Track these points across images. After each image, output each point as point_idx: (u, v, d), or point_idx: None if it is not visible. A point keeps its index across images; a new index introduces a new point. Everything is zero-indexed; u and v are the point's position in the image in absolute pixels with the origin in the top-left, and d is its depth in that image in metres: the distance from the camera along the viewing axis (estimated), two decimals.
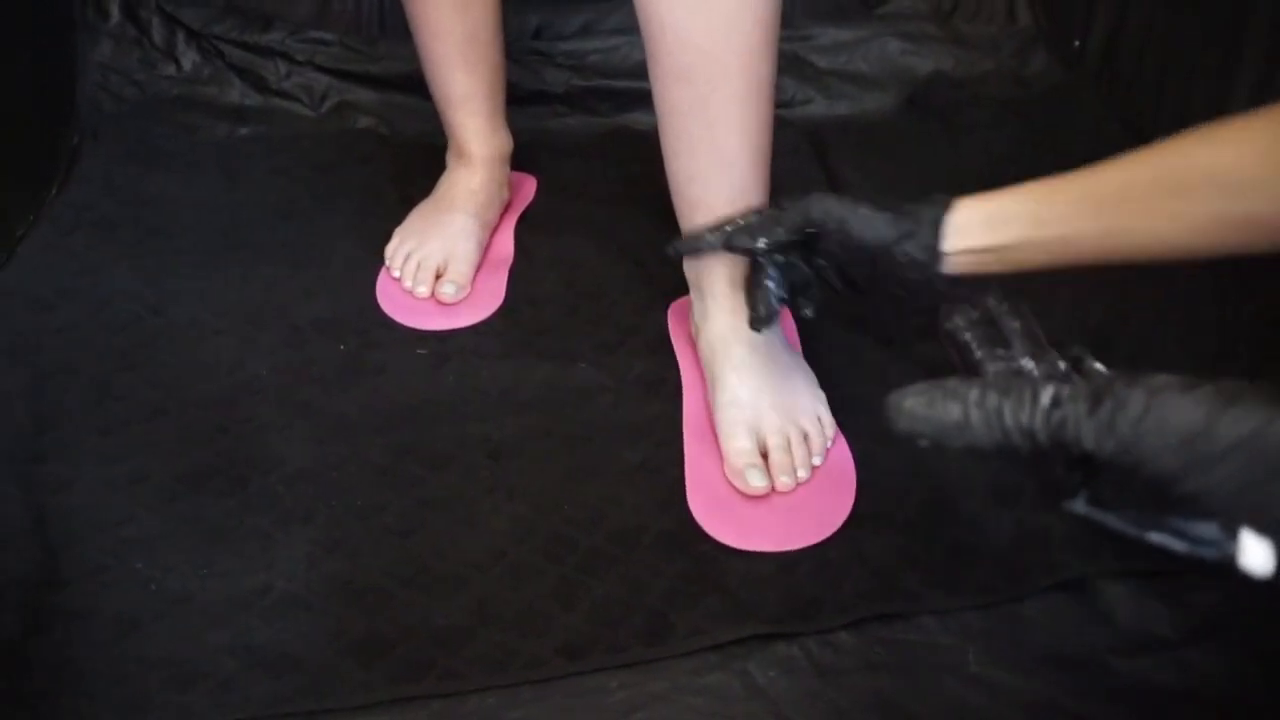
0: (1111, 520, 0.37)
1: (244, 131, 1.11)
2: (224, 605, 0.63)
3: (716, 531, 0.67)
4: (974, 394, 0.37)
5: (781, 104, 1.15)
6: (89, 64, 1.12)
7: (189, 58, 1.15)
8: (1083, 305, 0.86)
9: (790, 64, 1.17)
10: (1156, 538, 0.36)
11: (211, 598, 0.63)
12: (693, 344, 0.80)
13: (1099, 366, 0.43)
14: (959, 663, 0.60)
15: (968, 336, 0.45)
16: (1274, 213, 0.49)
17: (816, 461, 0.71)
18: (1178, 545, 0.35)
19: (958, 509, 0.69)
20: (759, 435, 0.71)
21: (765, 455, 0.70)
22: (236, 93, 1.14)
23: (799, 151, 1.09)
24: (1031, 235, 0.55)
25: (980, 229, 0.56)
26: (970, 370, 0.45)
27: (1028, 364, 0.43)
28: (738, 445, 0.71)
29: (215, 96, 1.13)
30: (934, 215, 0.57)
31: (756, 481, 0.69)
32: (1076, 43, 1.20)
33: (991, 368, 0.44)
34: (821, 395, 0.75)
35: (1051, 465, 0.37)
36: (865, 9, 1.23)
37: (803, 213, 0.60)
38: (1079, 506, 0.38)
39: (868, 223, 0.59)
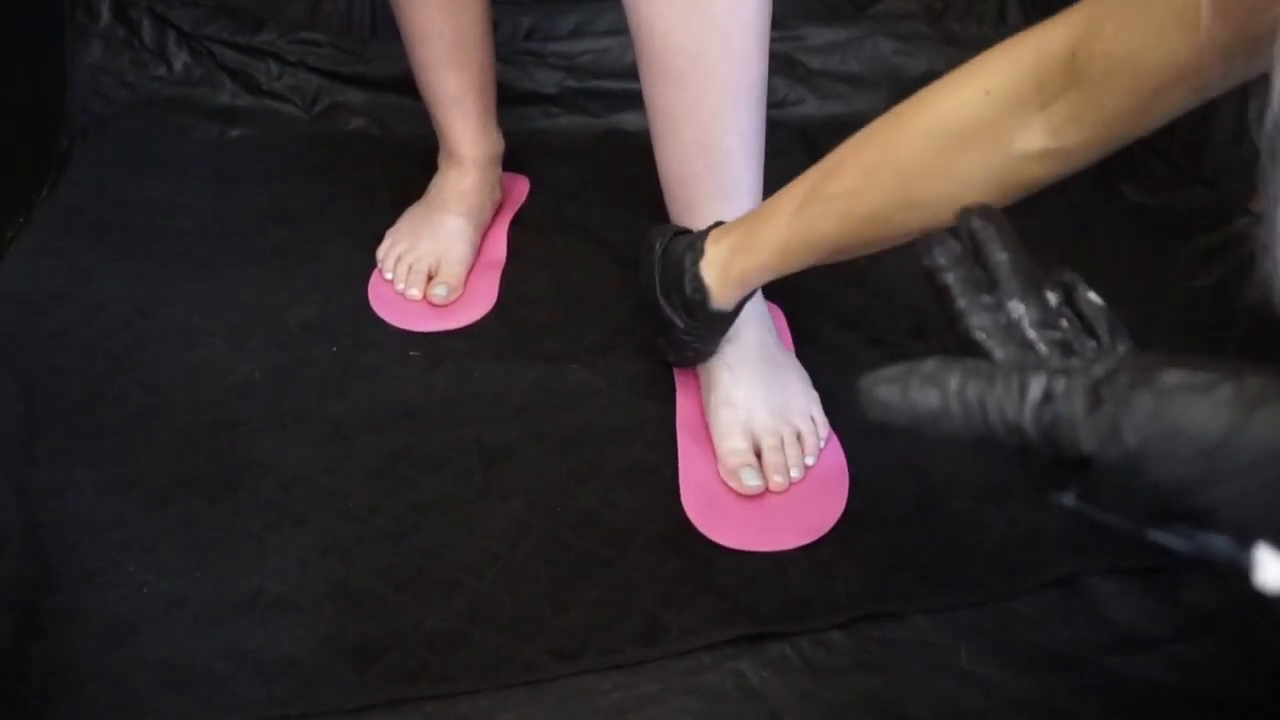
0: (1106, 517, 0.33)
1: (235, 133, 1.11)
2: (217, 609, 0.63)
3: (710, 532, 0.67)
4: (954, 382, 0.33)
5: (773, 104, 1.14)
6: (79, 66, 1.11)
7: (180, 59, 1.14)
8: None
9: (782, 64, 1.17)
10: (1157, 537, 0.32)
11: (205, 601, 0.63)
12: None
13: (1093, 297, 0.39)
14: (951, 661, 0.60)
15: (949, 279, 0.40)
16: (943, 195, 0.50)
17: (810, 461, 0.71)
18: (1181, 546, 0.31)
19: (950, 508, 0.69)
20: (752, 435, 0.71)
21: (759, 455, 0.71)
22: (228, 94, 1.14)
23: (791, 152, 1.09)
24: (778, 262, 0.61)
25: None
26: (952, 321, 0.39)
27: (1016, 309, 0.38)
28: (732, 445, 0.71)
29: (206, 98, 1.13)
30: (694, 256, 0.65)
31: (751, 481, 0.69)
32: None
33: (976, 322, 0.39)
34: (814, 395, 0.75)
35: (1039, 461, 0.33)
36: (856, 9, 1.23)
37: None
38: (1068, 501, 0.34)
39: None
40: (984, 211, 0.41)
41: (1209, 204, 0.99)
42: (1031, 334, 0.38)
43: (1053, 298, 0.39)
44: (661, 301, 0.68)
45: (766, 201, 0.61)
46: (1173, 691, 0.58)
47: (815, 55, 1.19)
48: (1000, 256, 0.40)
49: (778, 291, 0.85)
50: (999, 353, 0.38)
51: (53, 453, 0.73)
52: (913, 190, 0.53)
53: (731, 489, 0.70)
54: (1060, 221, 0.98)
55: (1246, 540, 0.29)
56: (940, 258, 0.40)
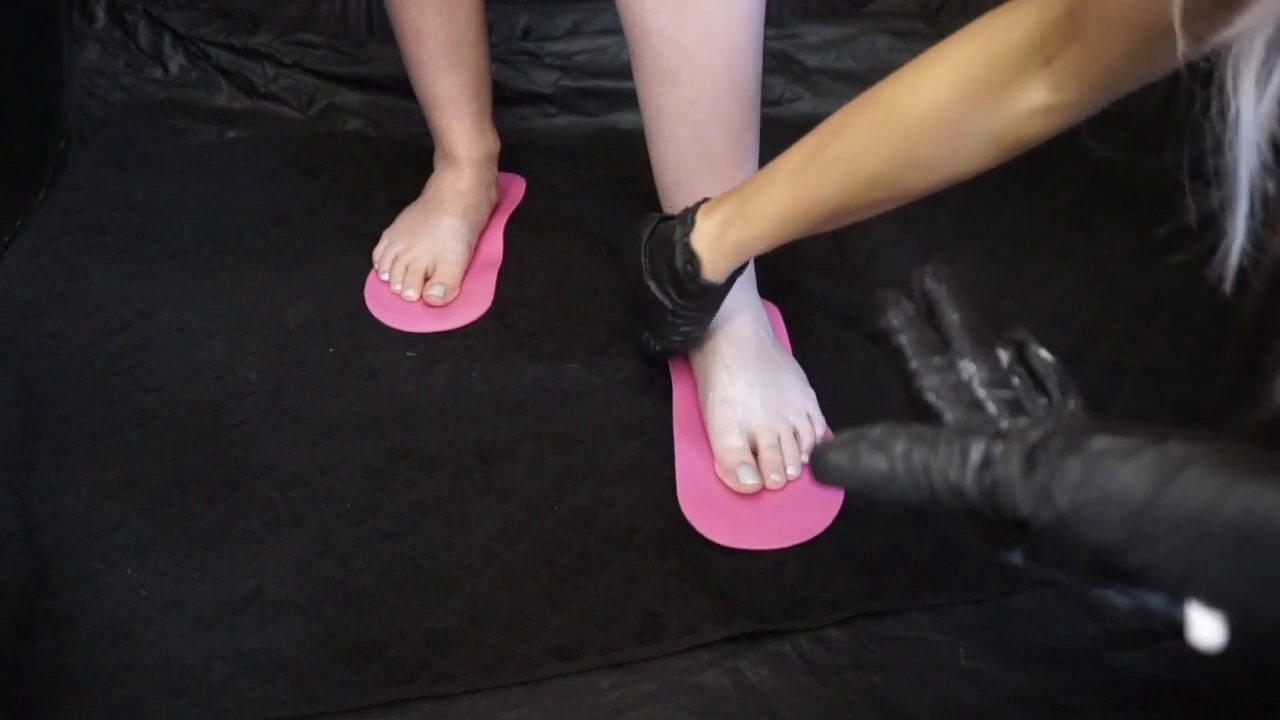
0: (1051, 574, 0.34)
1: (232, 134, 1.11)
2: (215, 610, 0.63)
3: (708, 530, 0.67)
4: (900, 447, 0.35)
5: (770, 102, 1.15)
6: (75, 68, 1.11)
7: (176, 61, 1.14)
8: (1071, 301, 0.87)
9: (778, 62, 1.18)
10: (1099, 595, 0.33)
11: (203, 602, 0.63)
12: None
13: (1044, 354, 0.40)
14: (950, 658, 0.60)
15: (902, 340, 0.41)
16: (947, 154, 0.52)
17: (807, 459, 0.71)
18: (1123, 603, 0.33)
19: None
20: (749, 433, 0.71)
21: (756, 453, 0.71)
22: (224, 96, 1.14)
23: None
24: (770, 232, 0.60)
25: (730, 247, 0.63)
26: (904, 382, 0.41)
27: (967, 369, 0.40)
28: (729, 444, 0.71)
29: (203, 100, 1.13)
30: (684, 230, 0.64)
31: (748, 479, 0.69)
32: None
33: (927, 383, 0.40)
34: (811, 393, 0.75)
35: (984, 522, 0.35)
36: (853, 6, 1.23)
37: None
38: (1015, 559, 0.35)
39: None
40: (936, 271, 0.43)
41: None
42: (981, 393, 0.39)
43: (1004, 356, 0.40)
44: (649, 282, 0.67)
45: (760, 171, 0.61)
46: (1172, 688, 0.58)
47: (812, 53, 1.19)
48: (952, 317, 0.41)
49: (774, 290, 0.85)
50: (949, 414, 0.39)
51: (50, 454, 0.73)
52: (917, 151, 0.54)
53: (729, 487, 0.70)
54: (1057, 221, 0.98)
55: (1179, 598, 0.31)
56: (894, 320, 0.42)
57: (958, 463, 0.34)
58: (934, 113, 0.52)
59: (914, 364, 0.40)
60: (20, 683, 0.58)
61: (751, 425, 0.71)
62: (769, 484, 0.69)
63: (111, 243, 0.94)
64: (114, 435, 0.74)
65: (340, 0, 1.16)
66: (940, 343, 0.41)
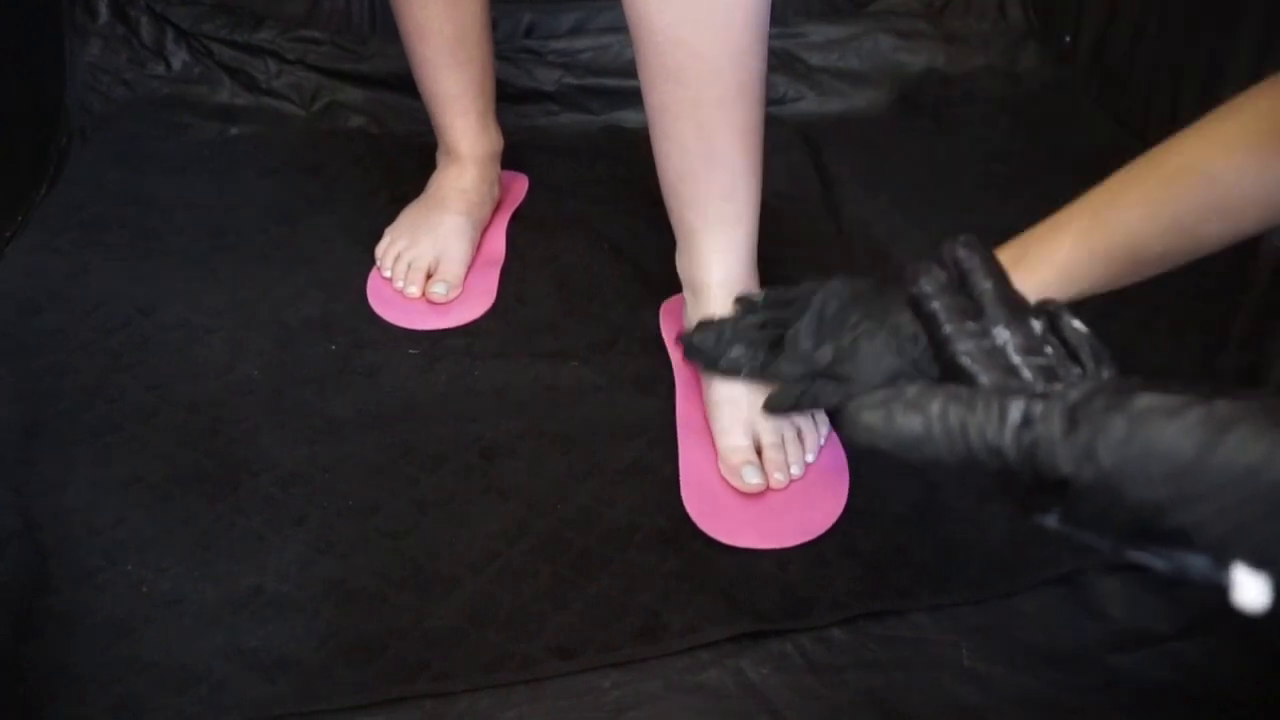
0: (1088, 538, 0.34)
1: (234, 131, 1.11)
2: (216, 607, 0.63)
3: (710, 529, 0.67)
4: (936, 407, 0.34)
5: (773, 101, 1.15)
6: (78, 64, 1.11)
7: (178, 57, 1.14)
8: (1075, 302, 0.87)
9: (782, 61, 1.17)
10: (1137, 557, 0.33)
11: (204, 600, 0.63)
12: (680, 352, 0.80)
13: (1077, 324, 0.39)
14: (952, 658, 0.60)
15: (935, 306, 0.40)
16: (1255, 199, 0.49)
17: (810, 458, 0.71)
18: (1160, 565, 0.32)
19: (950, 505, 0.69)
20: (753, 432, 0.71)
21: (759, 452, 0.70)
22: (226, 92, 1.14)
23: (791, 149, 1.09)
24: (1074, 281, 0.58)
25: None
26: (938, 346, 0.40)
27: (1001, 335, 0.39)
28: (733, 443, 0.71)
29: (205, 96, 1.13)
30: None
31: (752, 479, 0.69)
32: (1067, 38, 1.20)
33: (961, 348, 0.39)
34: None
35: (1021, 484, 0.34)
36: (856, 6, 1.23)
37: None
38: (1050, 522, 0.35)
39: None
40: (968, 241, 0.42)
41: None
42: (1016, 359, 0.39)
43: (1037, 325, 0.39)
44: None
45: (1042, 224, 0.59)
46: (1174, 689, 0.58)
47: (815, 52, 1.19)
48: (985, 285, 0.41)
49: None
50: (984, 377, 0.38)
51: (51, 451, 0.73)
52: (1223, 195, 0.53)
53: (732, 486, 0.70)
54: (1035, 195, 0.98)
55: (1223, 560, 0.30)
56: (927, 286, 0.41)
57: (996, 422, 0.33)
58: (1240, 157, 0.52)
59: (948, 329, 0.40)
60: (21, 680, 0.58)
61: (755, 424, 0.71)
62: (772, 483, 0.69)
63: (113, 239, 0.94)
64: (115, 432, 0.74)
65: None
66: (973, 310, 0.40)
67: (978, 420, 0.34)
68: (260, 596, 0.63)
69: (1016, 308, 0.40)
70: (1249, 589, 0.30)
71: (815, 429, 0.72)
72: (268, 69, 1.14)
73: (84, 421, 0.75)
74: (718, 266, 0.73)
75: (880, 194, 1.03)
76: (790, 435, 0.71)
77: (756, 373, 0.67)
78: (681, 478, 0.71)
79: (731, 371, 0.68)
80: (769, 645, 0.61)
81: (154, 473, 0.71)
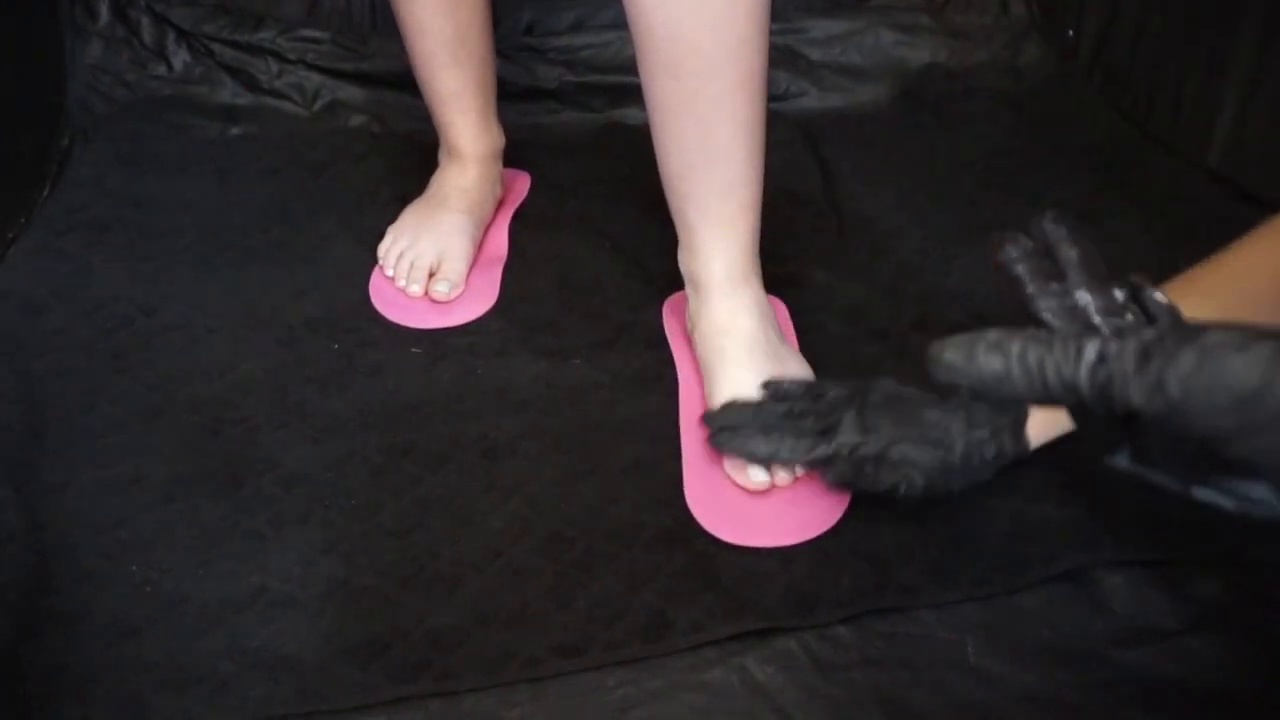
0: (1156, 476, 0.35)
1: (236, 131, 1.11)
2: (220, 607, 0.62)
3: (714, 527, 0.67)
4: (1016, 347, 0.36)
5: (775, 97, 1.14)
6: (79, 65, 1.11)
7: (180, 57, 1.14)
8: None
9: (783, 57, 1.17)
10: (1202, 494, 0.34)
11: (207, 600, 0.63)
12: (688, 339, 0.80)
13: (1159, 296, 0.40)
14: (958, 656, 0.60)
15: (1020, 270, 0.42)
16: None
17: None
18: (1226, 502, 0.34)
19: (955, 502, 0.68)
20: None
21: None
22: (228, 92, 1.14)
23: (793, 144, 1.09)
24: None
25: None
26: (1022, 306, 0.42)
27: (1083, 297, 0.40)
28: None
29: (206, 96, 1.13)
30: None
31: (757, 477, 0.69)
32: (1070, 33, 1.20)
33: (1044, 304, 0.41)
34: None
35: (1095, 420, 0.36)
36: (858, 1, 1.22)
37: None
38: (1122, 461, 0.36)
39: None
40: (1056, 214, 0.44)
41: (1216, 193, 0.99)
42: (1097, 319, 0.40)
43: (1120, 294, 0.41)
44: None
45: (1201, 265, 0.59)
46: (1181, 685, 0.58)
47: (817, 47, 1.19)
48: (1070, 253, 0.42)
49: (780, 286, 0.84)
50: (1064, 330, 0.40)
51: (53, 451, 0.73)
52: None
53: (736, 484, 0.69)
54: (1039, 191, 0.98)
55: None
56: (1012, 252, 0.42)
57: (1073, 360, 0.35)
58: None
59: (1031, 288, 0.41)
60: (23, 680, 0.58)
61: None
62: (777, 481, 0.69)
63: (115, 240, 0.94)
64: (117, 432, 0.74)
65: None
66: (1057, 275, 0.42)
67: (1055, 359, 0.35)
68: (263, 596, 0.63)
69: (1100, 275, 0.41)
70: None
71: None
72: (269, 69, 1.14)
73: (86, 421, 0.75)
74: (719, 262, 0.72)
75: (882, 189, 1.02)
76: None
77: (796, 459, 0.66)
78: (685, 475, 0.71)
79: (755, 458, 0.68)
80: (774, 643, 0.61)
81: (156, 473, 0.71)
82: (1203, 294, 0.58)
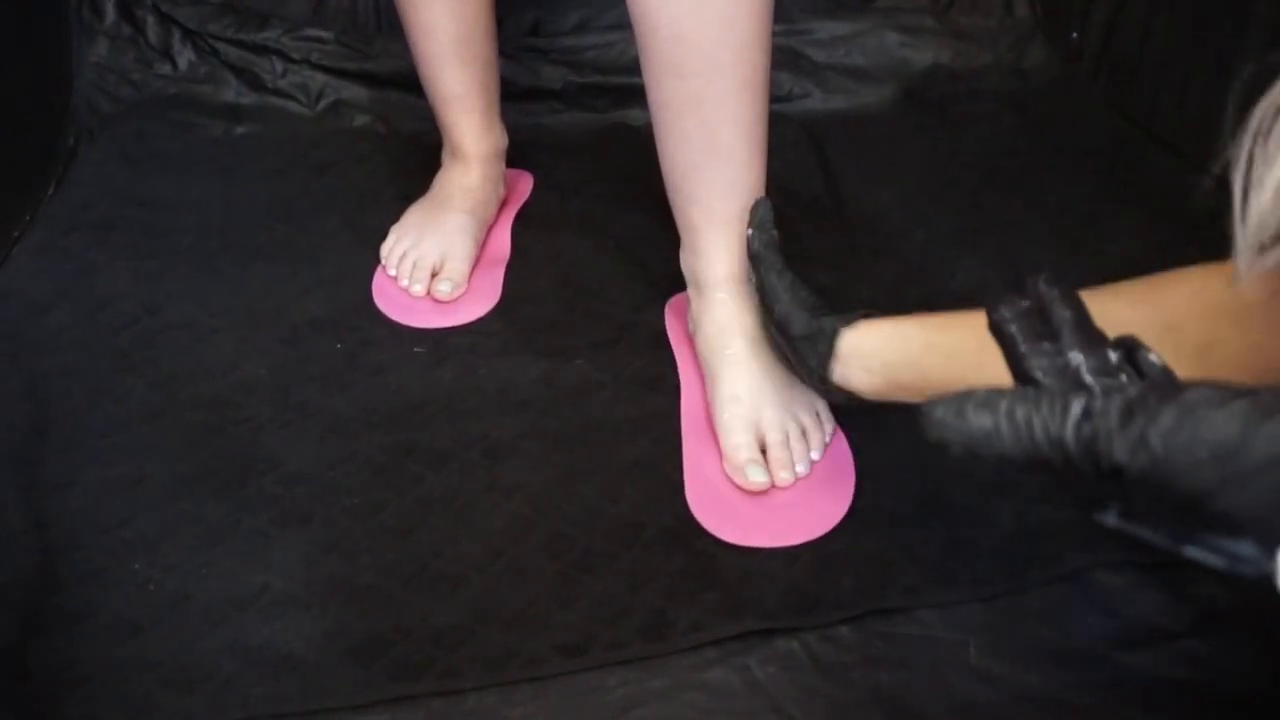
0: (1145, 533, 0.36)
1: (240, 130, 1.11)
2: (223, 606, 0.63)
3: (715, 528, 0.67)
4: (1004, 404, 0.36)
5: (779, 98, 1.14)
6: (85, 64, 1.11)
7: (185, 57, 1.14)
8: None
9: (787, 58, 1.17)
10: (1192, 552, 0.34)
11: (210, 598, 0.63)
12: (690, 340, 0.80)
13: (1154, 358, 0.40)
14: (959, 656, 0.60)
15: (1013, 329, 0.42)
16: None
17: (815, 457, 0.71)
18: (1214, 561, 0.34)
19: (957, 502, 0.68)
20: (758, 431, 0.71)
21: (764, 451, 0.70)
22: (232, 91, 1.14)
23: (797, 146, 1.09)
24: (918, 363, 0.60)
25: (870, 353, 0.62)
26: (1013, 364, 0.42)
27: (1075, 358, 0.41)
28: (737, 441, 0.71)
29: (211, 95, 1.13)
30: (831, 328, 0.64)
31: (757, 477, 0.69)
32: (1074, 35, 1.20)
33: (1036, 364, 0.41)
34: None
35: (1082, 477, 0.36)
36: (862, 2, 1.22)
37: None
38: (1110, 519, 0.36)
39: (790, 316, 0.66)
40: (1050, 277, 0.44)
41: (1220, 196, 0.98)
42: (1089, 379, 0.40)
43: (1113, 355, 0.41)
44: None
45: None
46: (1183, 686, 0.58)
47: (820, 49, 1.19)
48: (1064, 314, 0.42)
49: None
50: (1053, 387, 0.40)
51: (58, 450, 0.73)
52: None
53: (737, 485, 0.70)
54: (1068, 217, 0.98)
55: (1269, 544, 0.31)
56: (1006, 312, 0.43)
57: (1059, 417, 0.35)
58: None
59: (1023, 347, 0.42)
60: (28, 678, 0.58)
61: (760, 422, 0.71)
62: (778, 481, 0.69)
63: (119, 239, 0.94)
64: (121, 431, 0.74)
65: None
66: (1051, 336, 0.42)
67: (1042, 415, 0.36)
68: (266, 595, 0.63)
69: (1093, 337, 0.42)
70: None
71: (820, 427, 0.72)
72: (273, 68, 1.14)
73: (91, 421, 0.75)
74: (722, 263, 0.72)
75: (885, 191, 1.02)
76: (795, 433, 0.71)
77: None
78: (686, 476, 0.71)
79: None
80: (775, 643, 0.61)
81: (160, 472, 0.71)
82: (1125, 303, 0.58)
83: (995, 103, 1.16)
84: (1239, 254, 0.39)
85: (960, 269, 0.91)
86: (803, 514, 0.68)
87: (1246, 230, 0.39)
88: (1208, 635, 0.60)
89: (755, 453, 0.70)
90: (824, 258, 0.92)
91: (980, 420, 0.37)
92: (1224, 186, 0.43)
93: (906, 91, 1.18)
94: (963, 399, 0.38)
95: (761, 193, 0.71)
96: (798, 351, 0.66)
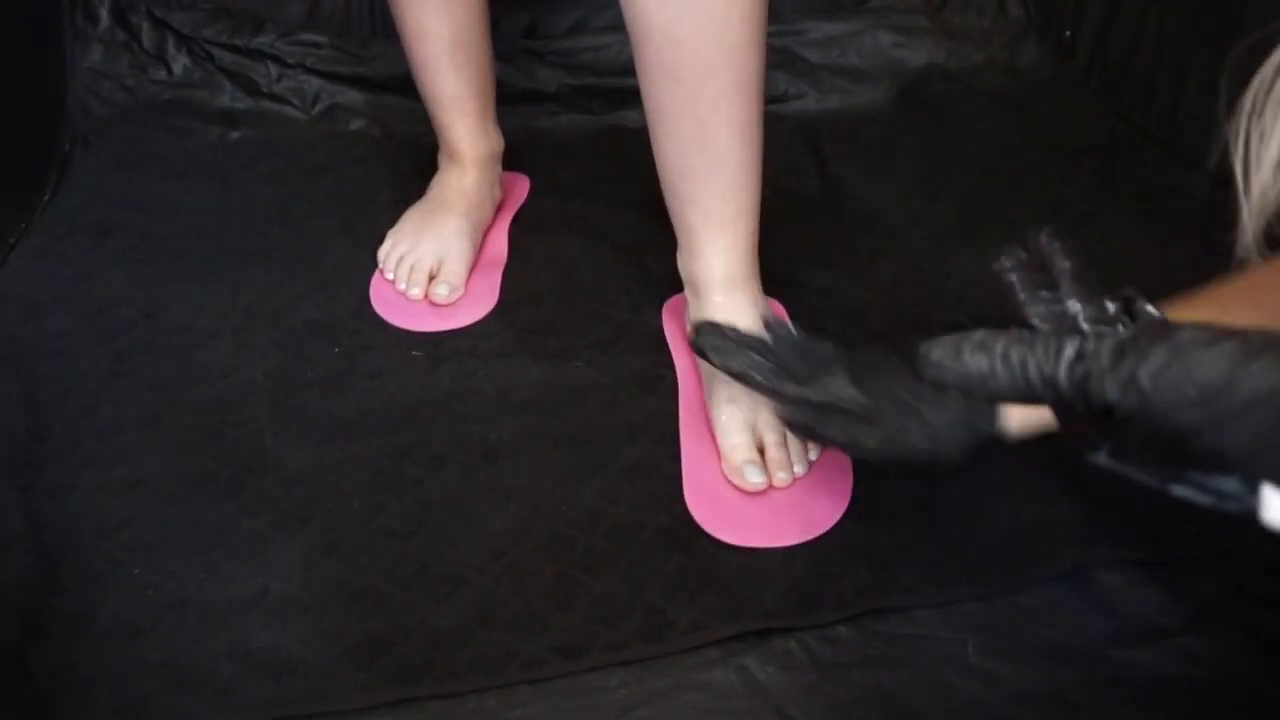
0: (1134, 473, 0.37)
1: (235, 135, 1.11)
2: (222, 608, 0.63)
3: (714, 528, 0.67)
4: (1000, 346, 0.37)
5: (773, 99, 1.15)
6: (79, 70, 1.11)
7: (179, 62, 1.14)
8: None
9: (782, 59, 1.17)
10: (1179, 490, 0.35)
11: (210, 601, 0.63)
12: (688, 341, 0.80)
13: (1150, 309, 0.41)
14: (957, 655, 0.60)
15: (1014, 278, 0.44)
16: None
17: (813, 457, 0.71)
18: (1201, 498, 0.35)
19: (954, 501, 0.69)
20: (756, 431, 0.71)
21: (762, 451, 0.70)
22: (228, 96, 1.14)
23: (792, 146, 1.09)
24: None
25: None
26: (1014, 310, 0.43)
27: (1074, 306, 0.42)
28: (735, 442, 0.71)
29: (206, 100, 1.13)
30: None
31: (754, 478, 0.69)
32: (1068, 33, 1.20)
33: (1034, 310, 0.42)
34: None
35: (1075, 417, 0.37)
36: (856, 2, 1.23)
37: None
38: (1101, 459, 0.37)
39: None
40: (1051, 230, 0.45)
41: (1215, 193, 0.99)
42: (1086, 327, 0.41)
43: (1111, 305, 0.42)
44: None
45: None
46: (1181, 684, 0.58)
47: (815, 49, 1.19)
48: (1064, 265, 0.43)
49: (779, 286, 0.84)
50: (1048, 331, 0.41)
51: (56, 454, 0.73)
52: None
53: (735, 485, 0.70)
54: (1063, 215, 0.98)
55: (1253, 480, 0.32)
56: (1007, 263, 0.44)
57: (1053, 357, 0.36)
58: None
59: (1023, 295, 0.43)
60: (27, 682, 0.58)
61: (758, 423, 0.71)
62: (775, 482, 0.69)
63: (116, 243, 0.94)
64: (120, 435, 0.74)
65: (343, 0, 1.16)
66: (1051, 286, 0.43)
67: (1036, 357, 0.36)
68: (266, 597, 0.63)
69: (1092, 288, 0.42)
70: (1276, 508, 0.32)
71: None
72: (268, 73, 1.14)
73: (89, 424, 0.75)
74: (719, 264, 0.73)
75: (881, 191, 1.03)
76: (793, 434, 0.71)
77: (769, 386, 0.64)
78: (684, 477, 0.71)
79: (741, 375, 0.66)
80: (774, 643, 0.61)
81: (159, 475, 0.71)
82: (1218, 308, 0.58)
83: (989, 102, 1.16)
84: (1244, 230, 0.40)
85: (956, 268, 0.91)
86: (801, 514, 0.68)
87: (1250, 205, 0.40)
88: (1205, 633, 0.60)
89: (753, 453, 0.70)
90: (820, 257, 0.92)
91: (976, 361, 0.38)
92: (1218, 183, 0.43)
93: (901, 91, 1.18)
94: (959, 340, 0.38)
95: (758, 194, 0.71)
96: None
